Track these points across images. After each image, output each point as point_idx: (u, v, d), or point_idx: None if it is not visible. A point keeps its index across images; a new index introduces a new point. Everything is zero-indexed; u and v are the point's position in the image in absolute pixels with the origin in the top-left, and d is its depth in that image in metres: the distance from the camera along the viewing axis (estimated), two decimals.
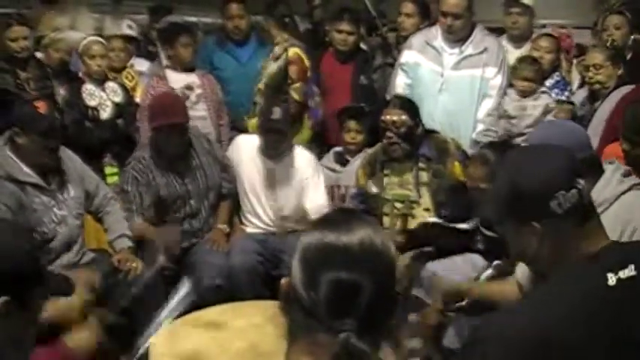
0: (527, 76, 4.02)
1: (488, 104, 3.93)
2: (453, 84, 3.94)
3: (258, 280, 3.67)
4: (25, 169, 3.17)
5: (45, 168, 3.23)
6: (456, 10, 3.87)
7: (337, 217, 1.20)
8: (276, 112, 3.75)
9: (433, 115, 3.82)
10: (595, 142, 3.14)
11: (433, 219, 3.29)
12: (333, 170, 4.16)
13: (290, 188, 3.88)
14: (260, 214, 3.93)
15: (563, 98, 4.18)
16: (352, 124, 4.15)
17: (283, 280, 1.17)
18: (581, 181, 1.55)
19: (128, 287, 3.36)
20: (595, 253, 1.53)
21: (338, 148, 4.26)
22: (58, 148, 3.27)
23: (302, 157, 3.92)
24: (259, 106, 4.09)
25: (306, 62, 4.27)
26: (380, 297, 1.10)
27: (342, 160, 4.18)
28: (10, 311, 1.20)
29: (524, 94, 4.03)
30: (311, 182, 3.87)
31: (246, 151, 3.93)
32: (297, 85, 4.20)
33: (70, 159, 3.37)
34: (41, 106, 3.19)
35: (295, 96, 4.17)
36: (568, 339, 1.41)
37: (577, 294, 1.46)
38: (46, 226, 3.17)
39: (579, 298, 1.46)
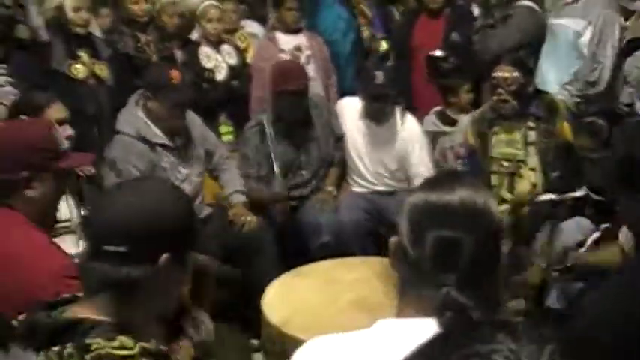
0: None
1: (574, 65, 3.95)
2: (551, 33, 4.05)
3: (365, 235, 3.75)
4: (155, 130, 3.32)
5: (172, 131, 3.38)
6: None
7: (440, 179, 1.27)
8: (379, 77, 3.70)
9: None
10: None
11: (544, 197, 3.27)
12: (444, 133, 4.16)
13: (393, 151, 3.89)
14: (364, 174, 3.97)
15: None
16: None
17: (392, 239, 1.23)
18: None
19: (243, 241, 3.53)
20: None
21: (438, 108, 4.25)
22: (185, 115, 3.41)
23: (405, 120, 3.89)
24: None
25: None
26: (480, 254, 1.15)
27: (449, 121, 4.16)
28: (169, 267, 1.30)
29: None
30: (415, 148, 3.85)
31: (349, 113, 3.94)
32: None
33: (193, 120, 3.50)
34: (175, 76, 3.24)
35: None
36: None
37: None
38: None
39: None
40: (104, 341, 1.21)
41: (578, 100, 4.02)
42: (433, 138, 4.11)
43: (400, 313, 1.21)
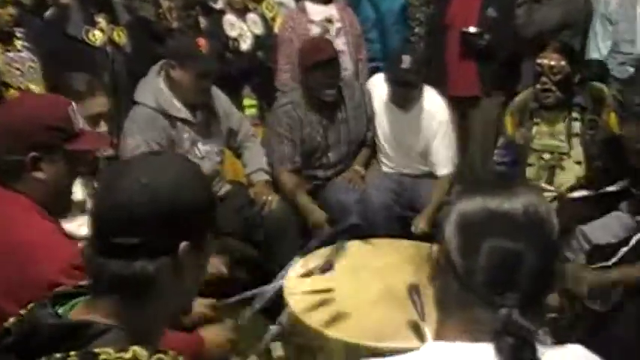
0: None
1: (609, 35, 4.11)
2: None
3: (392, 218, 3.66)
4: (177, 103, 3.20)
5: (195, 104, 3.26)
6: None
7: (499, 182, 1.15)
8: (406, 61, 3.55)
9: None
10: None
11: (577, 193, 3.14)
12: None
13: (418, 137, 3.76)
14: (391, 156, 3.87)
15: None
16: None
17: (434, 247, 1.11)
18: None
19: (263, 220, 3.43)
20: None
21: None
22: (210, 87, 3.29)
23: (433, 103, 3.74)
24: None
25: None
26: (543, 270, 1.03)
27: None
28: (189, 257, 1.15)
29: None
30: (439, 133, 3.72)
31: (378, 93, 3.81)
32: None
33: (218, 96, 3.39)
34: (202, 45, 3.13)
35: None
36: None
37: None
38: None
39: None
40: (114, 352, 1.05)
41: (624, 61, 4.06)
42: None
43: (441, 333, 1.08)
